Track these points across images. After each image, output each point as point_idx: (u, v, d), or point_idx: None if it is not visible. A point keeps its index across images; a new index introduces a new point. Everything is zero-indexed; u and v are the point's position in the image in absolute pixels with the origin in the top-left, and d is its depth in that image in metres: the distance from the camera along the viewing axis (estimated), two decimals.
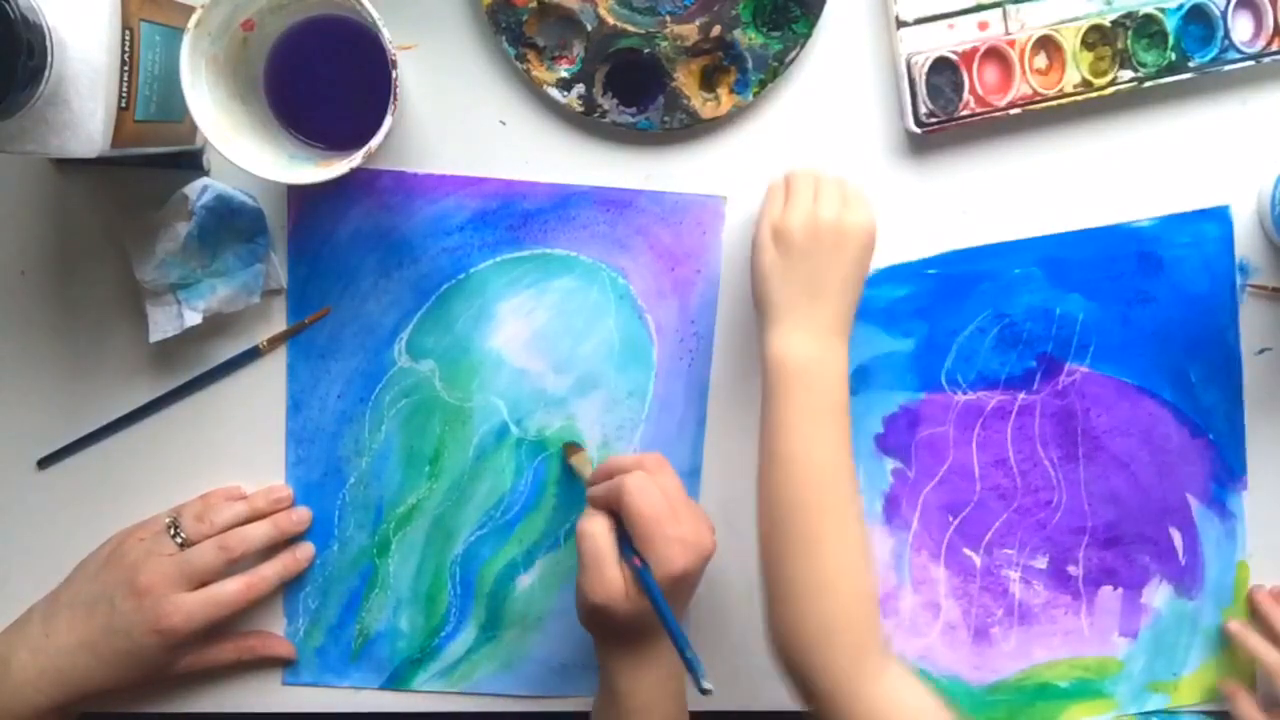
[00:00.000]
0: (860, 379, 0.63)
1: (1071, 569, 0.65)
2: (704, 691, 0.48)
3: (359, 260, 0.62)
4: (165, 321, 0.59)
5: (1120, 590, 0.66)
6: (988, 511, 0.65)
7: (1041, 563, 0.65)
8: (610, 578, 0.52)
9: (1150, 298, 0.64)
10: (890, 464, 0.64)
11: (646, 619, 0.53)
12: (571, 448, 0.62)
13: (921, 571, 0.65)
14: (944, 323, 0.63)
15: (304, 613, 0.63)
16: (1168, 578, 0.66)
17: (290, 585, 0.63)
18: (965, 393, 0.64)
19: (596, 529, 0.54)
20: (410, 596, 0.63)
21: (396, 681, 0.64)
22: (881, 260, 0.62)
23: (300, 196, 0.61)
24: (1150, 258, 0.64)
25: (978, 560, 0.65)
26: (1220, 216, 0.64)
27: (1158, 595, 0.66)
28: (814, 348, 0.54)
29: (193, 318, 0.58)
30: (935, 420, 0.64)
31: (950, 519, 0.64)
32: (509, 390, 0.63)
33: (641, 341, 0.63)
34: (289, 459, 0.62)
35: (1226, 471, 0.65)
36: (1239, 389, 0.65)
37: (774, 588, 0.52)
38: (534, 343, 0.63)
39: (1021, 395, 0.64)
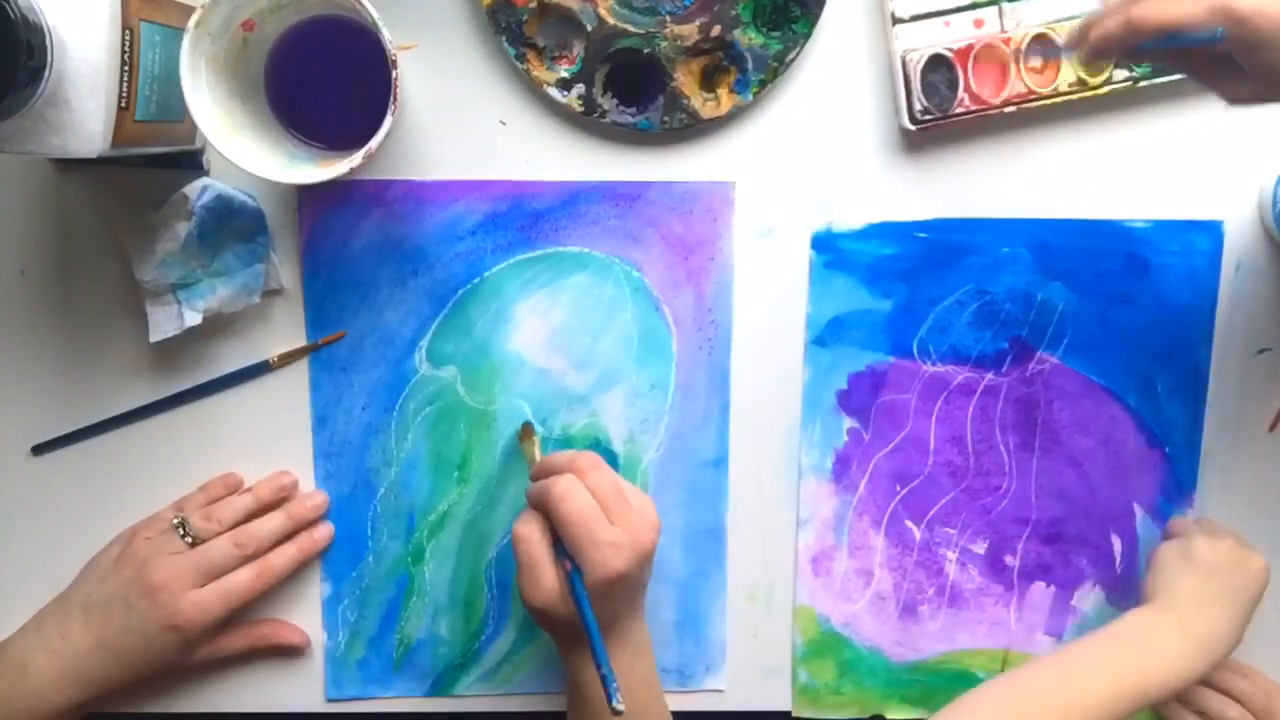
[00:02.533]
0: (833, 332, 0.63)
1: (1009, 559, 0.65)
2: (615, 713, 0.50)
3: (374, 271, 0.62)
4: (165, 321, 0.59)
5: (1053, 588, 0.65)
6: (936, 487, 0.64)
7: (980, 548, 0.65)
8: (545, 582, 0.53)
9: (1131, 300, 0.63)
10: (848, 422, 0.64)
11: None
12: (526, 430, 0.61)
13: (860, 537, 0.64)
14: (925, 290, 0.63)
15: (343, 626, 0.63)
16: (1101, 583, 0.65)
17: (328, 599, 0.63)
18: (934, 364, 0.63)
19: (530, 533, 0.53)
20: (448, 602, 0.64)
21: (440, 688, 0.64)
22: (874, 217, 0.62)
23: (312, 211, 0.61)
24: (1138, 259, 0.63)
25: (918, 534, 0.64)
26: (1212, 230, 0.63)
27: (1089, 599, 0.65)
28: (1177, 645, 0.58)
29: (193, 318, 0.58)
30: (900, 386, 0.64)
31: (898, 488, 0.64)
32: (531, 391, 0.63)
33: (660, 333, 0.63)
34: (317, 474, 0.63)
35: (1176, 487, 0.65)
36: (1201, 408, 0.64)
37: None
38: (553, 341, 0.63)
39: (989, 375, 0.64)
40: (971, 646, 0.65)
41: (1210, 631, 0.58)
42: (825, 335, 0.63)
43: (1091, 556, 0.65)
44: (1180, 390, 0.64)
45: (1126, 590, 0.65)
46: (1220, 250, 0.63)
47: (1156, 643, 0.58)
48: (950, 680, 0.65)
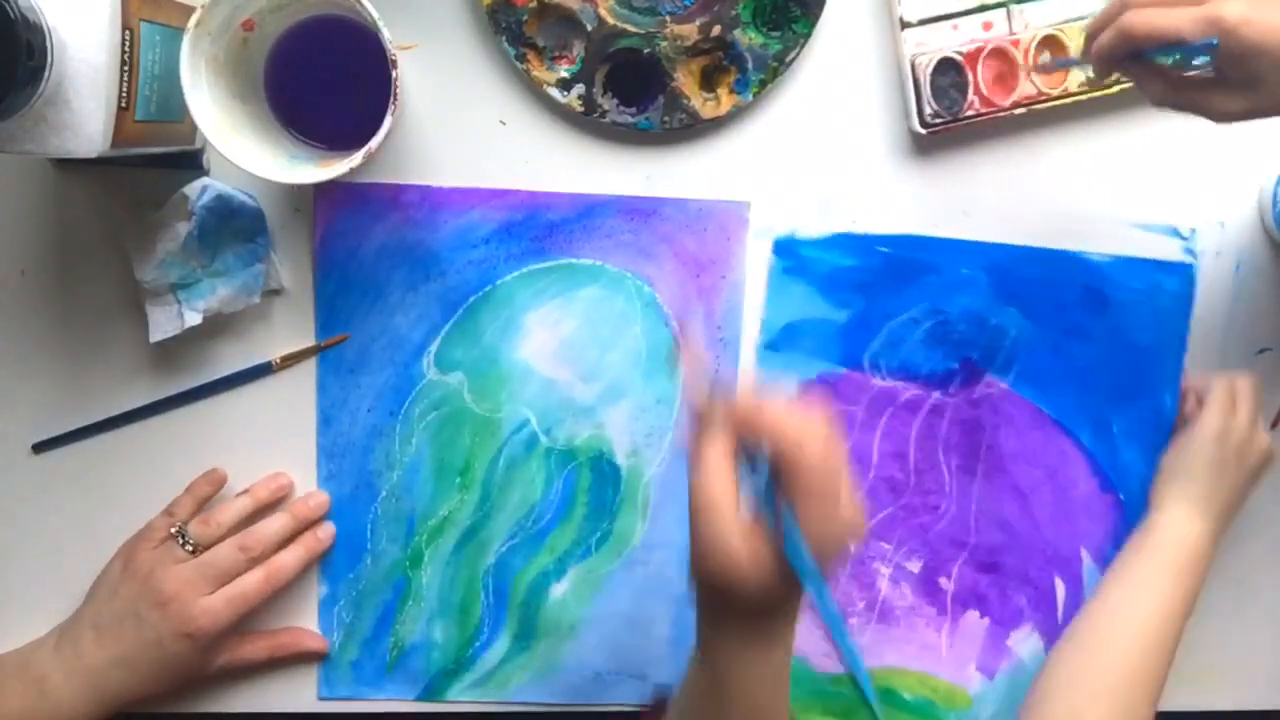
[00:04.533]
0: (787, 338, 0.62)
1: (943, 581, 0.64)
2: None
3: (386, 275, 0.61)
4: (165, 321, 0.58)
5: (987, 621, 0.64)
6: (875, 501, 0.63)
7: (915, 566, 0.64)
8: (734, 543, 0.40)
9: (1087, 334, 0.63)
10: None
11: (778, 596, 0.42)
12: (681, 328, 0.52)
13: None
14: (881, 304, 0.63)
15: (338, 626, 0.63)
16: (1040, 630, 0.64)
17: (324, 599, 0.63)
18: (883, 378, 0.63)
19: (716, 466, 0.41)
20: (444, 608, 0.63)
21: (432, 693, 0.64)
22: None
23: (327, 213, 0.61)
24: (1095, 294, 0.62)
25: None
26: (1182, 273, 0.63)
27: (1026, 644, 0.64)
28: (1207, 539, 0.58)
29: (193, 318, 0.58)
30: (847, 398, 0.63)
31: None
32: (537, 400, 0.62)
33: (668, 349, 0.63)
34: (320, 474, 0.62)
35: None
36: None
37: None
38: (561, 352, 0.62)
39: (936, 394, 0.63)
40: (899, 665, 0.64)
41: (1225, 525, 0.59)
42: (778, 340, 0.62)
43: (1031, 597, 0.64)
44: (1139, 435, 0.63)
45: None
46: (1190, 295, 0.63)
47: (1197, 559, 0.57)
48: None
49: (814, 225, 0.62)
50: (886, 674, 0.64)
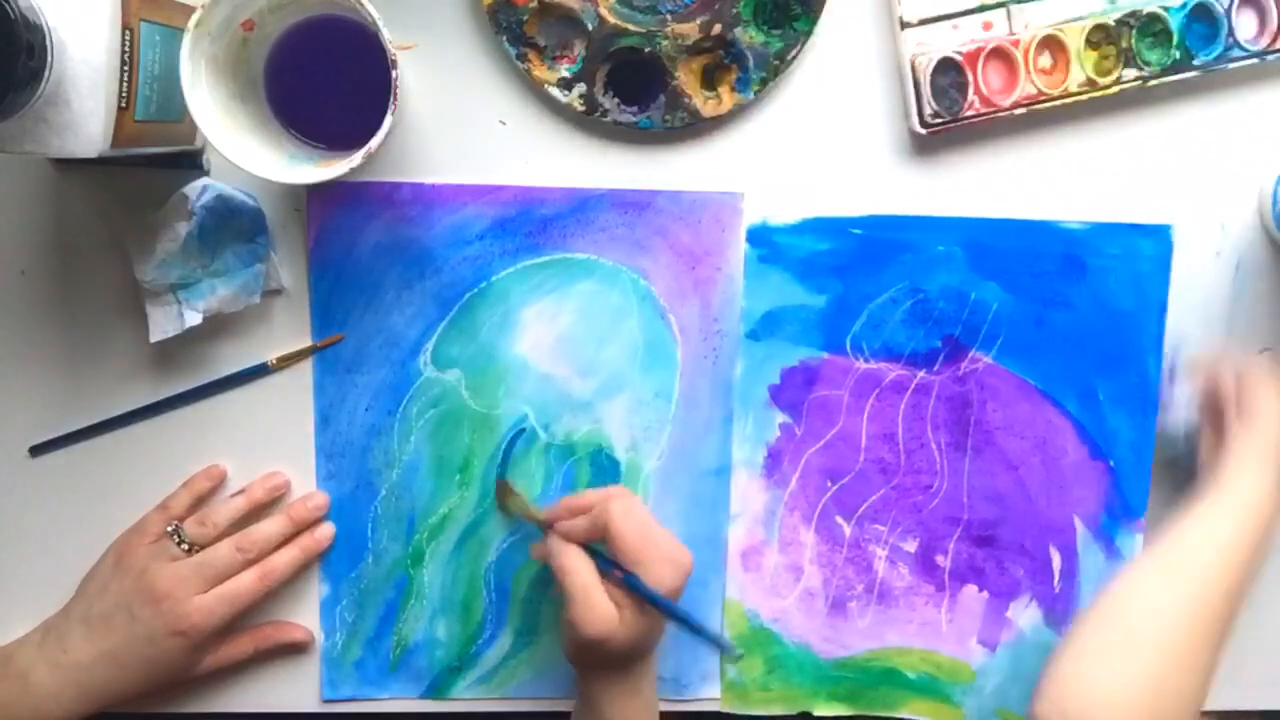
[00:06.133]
0: (767, 326, 0.62)
1: (940, 559, 0.64)
2: (737, 658, 0.58)
3: (381, 273, 0.61)
4: (165, 321, 0.58)
5: (986, 595, 0.64)
6: (867, 484, 0.64)
7: (910, 546, 0.64)
8: (602, 607, 0.53)
9: (1069, 303, 0.62)
10: (780, 417, 0.63)
11: (640, 643, 0.54)
12: (504, 486, 0.62)
13: (791, 532, 0.64)
14: (859, 286, 0.62)
15: (340, 626, 0.63)
16: (1039, 600, 0.64)
17: (326, 599, 0.63)
18: (867, 360, 0.63)
19: (577, 562, 0.54)
20: (446, 605, 0.63)
21: (436, 691, 0.64)
22: (809, 213, 0.62)
23: (319, 212, 0.61)
24: (1074, 261, 0.62)
25: (848, 530, 0.64)
26: (1159, 235, 0.62)
27: (1025, 615, 0.64)
28: (1276, 497, 0.56)
29: (193, 318, 0.58)
30: (832, 382, 0.63)
31: (829, 484, 0.63)
32: (535, 396, 0.63)
33: (665, 342, 0.63)
34: (319, 474, 0.62)
35: (1122, 505, 0.64)
36: (1151, 420, 0.63)
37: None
38: (558, 347, 0.62)
39: (921, 373, 0.63)
40: (900, 645, 0.64)
41: None
42: (759, 329, 0.62)
43: (1029, 568, 0.64)
44: (1124, 400, 0.63)
45: (1065, 613, 0.64)
46: (1169, 255, 0.62)
47: (1268, 513, 0.55)
48: (878, 678, 0.64)
49: (786, 211, 0.62)
50: (887, 654, 0.64)
